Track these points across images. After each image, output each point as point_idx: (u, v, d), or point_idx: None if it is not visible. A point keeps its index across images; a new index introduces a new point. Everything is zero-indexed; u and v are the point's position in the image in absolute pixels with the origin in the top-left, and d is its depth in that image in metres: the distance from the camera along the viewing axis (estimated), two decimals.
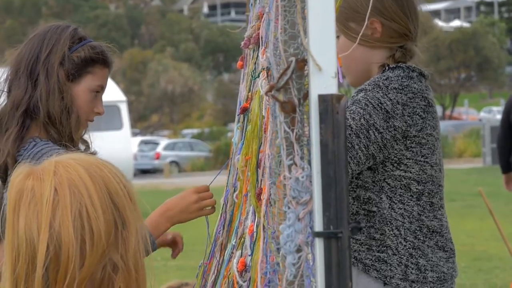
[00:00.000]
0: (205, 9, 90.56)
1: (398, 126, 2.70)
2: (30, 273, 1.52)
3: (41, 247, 1.52)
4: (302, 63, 1.72)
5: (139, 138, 37.21)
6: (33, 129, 2.70)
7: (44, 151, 2.59)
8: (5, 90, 2.77)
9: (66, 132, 2.70)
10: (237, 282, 2.30)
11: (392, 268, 2.74)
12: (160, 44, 64.29)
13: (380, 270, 2.74)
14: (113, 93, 17.82)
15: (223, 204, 2.67)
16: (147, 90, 50.97)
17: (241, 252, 2.37)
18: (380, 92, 2.72)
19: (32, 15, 61.68)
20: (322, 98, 1.67)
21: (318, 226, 1.68)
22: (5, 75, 2.78)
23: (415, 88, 2.76)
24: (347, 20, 2.87)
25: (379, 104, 2.69)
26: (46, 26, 2.82)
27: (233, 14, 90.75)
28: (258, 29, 2.44)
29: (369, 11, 2.65)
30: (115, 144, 16.08)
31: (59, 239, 1.52)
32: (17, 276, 1.54)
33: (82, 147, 2.80)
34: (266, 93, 1.78)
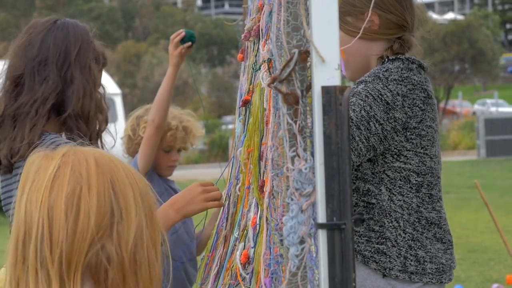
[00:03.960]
0: (199, 2, 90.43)
1: (399, 118, 2.71)
2: (27, 250, 1.56)
3: (35, 221, 1.56)
4: (305, 54, 1.72)
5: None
6: (49, 124, 2.69)
7: (57, 143, 2.59)
8: (14, 82, 2.73)
9: (96, 128, 2.71)
10: (240, 274, 2.30)
11: (391, 260, 2.75)
12: (154, 37, 64.12)
13: (379, 261, 2.75)
14: (107, 86, 17.77)
15: (226, 197, 2.68)
16: (141, 82, 50.83)
17: (244, 245, 2.37)
18: (380, 83, 2.72)
19: (26, 8, 61.49)
20: (326, 90, 1.67)
21: (321, 218, 1.68)
22: (17, 68, 2.72)
23: (414, 79, 2.77)
24: (343, 14, 2.87)
25: (380, 96, 2.70)
26: (62, 20, 2.77)
27: (227, 7, 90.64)
28: (259, 21, 2.43)
29: (371, 6, 2.66)
30: (109, 137, 16.03)
31: (51, 213, 1.55)
32: (17, 255, 1.57)
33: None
34: (268, 85, 1.78)
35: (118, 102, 19.63)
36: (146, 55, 52.99)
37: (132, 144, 4.14)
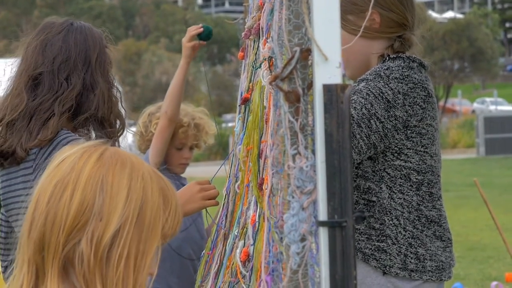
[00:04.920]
0: (199, 0, 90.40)
1: (399, 116, 2.72)
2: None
3: (31, 204, 1.61)
4: (306, 53, 1.72)
5: (133, 129, 37.13)
6: (64, 123, 2.70)
7: (71, 139, 2.60)
8: (30, 82, 2.73)
9: (115, 134, 2.72)
10: (240, 272, 2.31)
11: (391, 258, 2.76)
12: (155, 35, 64.14)
13: (380, 259, 2.76)
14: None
15: (225, 195, 2.69)
16: (141, 81, 50.85)
17: (244, 242, 2.38)
18: (381, 81, 2.73)
19: (27, 6, 61.47)
20: (327, 88, 1.68)
21: (323, 216, 1.69)
22: (37, 66, 2.72)
23: (415, 78, 2.77)
24: (345, 12, 2.87)
25: (381, 94, 2.70)
26: (78, 23, 2.78)
27: (227, 5, 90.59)
28: (259, 19, 2.44)
29: (371, 4, 2.66)
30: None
31: (39, 198, 1.60)
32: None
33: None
34: (270, 83, 1.78)
35: None
36: (147, 53, 53.00)
37: (143, 141, 4.15)
